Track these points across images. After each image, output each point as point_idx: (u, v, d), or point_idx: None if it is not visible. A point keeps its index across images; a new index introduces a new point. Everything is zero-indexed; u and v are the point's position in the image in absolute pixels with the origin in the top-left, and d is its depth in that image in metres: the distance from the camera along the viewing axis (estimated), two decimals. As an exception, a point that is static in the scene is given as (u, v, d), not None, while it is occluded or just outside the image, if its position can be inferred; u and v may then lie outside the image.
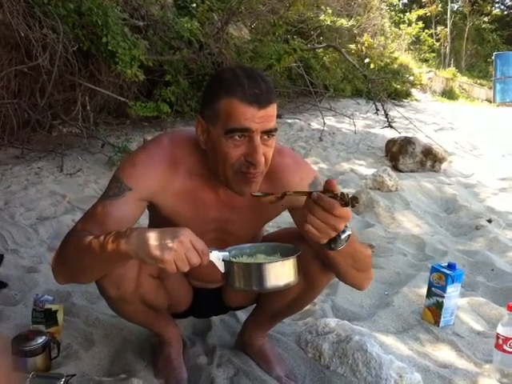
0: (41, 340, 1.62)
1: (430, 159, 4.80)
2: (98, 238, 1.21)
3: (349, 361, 1.68)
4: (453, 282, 2.01)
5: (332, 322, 1.86)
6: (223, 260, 1.22)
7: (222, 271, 1.22)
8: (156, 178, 1.37)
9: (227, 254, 1.24)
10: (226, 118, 1.26)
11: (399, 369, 1.61)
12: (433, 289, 2.05)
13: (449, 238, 3.28)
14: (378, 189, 3.80)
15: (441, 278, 2.02)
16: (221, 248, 1.27)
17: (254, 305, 1.79)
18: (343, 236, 1.19)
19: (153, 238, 1.13)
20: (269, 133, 1.29)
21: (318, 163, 4.76)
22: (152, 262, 1.13)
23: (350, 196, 1.09)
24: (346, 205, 1.09)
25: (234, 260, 1.24)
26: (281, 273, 1.23)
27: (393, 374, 1.58)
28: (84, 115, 4.11)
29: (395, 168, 4.60)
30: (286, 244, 1.36)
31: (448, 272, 2.01)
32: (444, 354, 1.86)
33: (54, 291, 2.12)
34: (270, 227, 2.39)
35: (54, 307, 1.76)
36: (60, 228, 2.77)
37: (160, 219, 1.48)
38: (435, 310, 2.04)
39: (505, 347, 1.69)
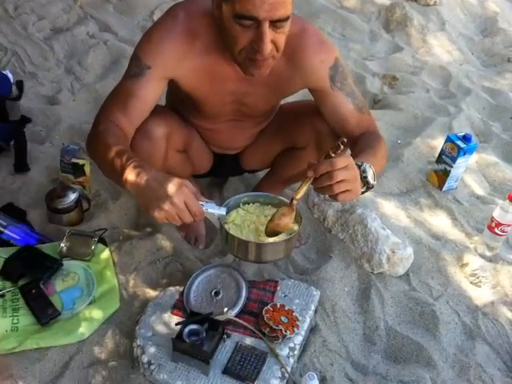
0: (73, 197, 1.78)
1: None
2: (119, 156, 1.23)
3: (349, 230, 1.86)
4: (464, 154, 2.05)
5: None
6: (219, 220, 1.26)
7: (217, 227, 1.28)
8: (173, 52, 1.34)
9: (223, 213, 1.25)
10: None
11: (393, 244, 1.78)
12: (443, 156, 2.10)
13: (477, 69, 3.15)
14: (416, 0, 3.46)
15: (453, 149, 2.06)
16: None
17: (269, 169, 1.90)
18: (368, 175, 1.24)
19: (150, 188, 1.15)
20: (279, 21, 1.19)
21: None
22: (146, 212, 1.18)
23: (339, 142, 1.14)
24: (337, 148, 1.13)
25: (232, 233, 1.28)
26: (279, 250, 1.30)
27: (386, 250, 1.77)
28: None
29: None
30: (281, 197, 1.41)
31: (462, 145, 2.03)
32: (439, 221, 2.02)
33: (78, 128, 2.19)
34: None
35: (80, 161, 1.86)
36: (74, 44, 2.69)
37: (180, 94, 1.50)
38: (441, 175, 2.12)
39: (496, 230, 1.83)
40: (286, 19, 1.20)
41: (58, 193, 1.78)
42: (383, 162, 1.45)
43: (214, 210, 1.23)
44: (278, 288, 1.63)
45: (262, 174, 1.98)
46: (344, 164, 1.15)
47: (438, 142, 2.41)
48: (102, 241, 1.73)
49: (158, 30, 1.35)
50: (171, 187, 1.14)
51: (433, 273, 1.82)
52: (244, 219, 1.37)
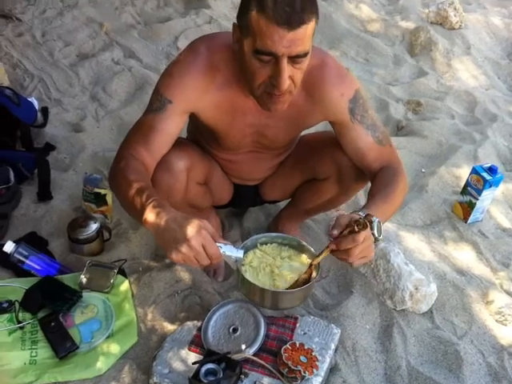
0: (94, 227, 1.79)
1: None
2: (140, 194, 1.23)
3: (371, 265, 1.82)
4: (490, 186, 2.00)
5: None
6: (236, 263, 1.24)
7: (234, 269, 1.27)
8: (194, 86, 1.35)
9: (241, 256, 1.23)
10: (254, 34, 1.17)
11: (416, 281, 1.74)
12: (468, 188, 2.06)
13: (503, 93, 3.09)
14: (441, 24, 3.43)
15: (479, 181, 2.01)
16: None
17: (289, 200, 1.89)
18: (375, 231, 1.24)
19: (169, 229, 1.15)
20: (298, 57, 1.19)
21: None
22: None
23: (363, 217, 1.17)
24: (363, 227, 1.16)
25: (249, 279, 1.28)
26: (292, 298, 1.30)
27: (409, 286, 1.73)
28: None
29: (465, -11, 4.04)
30: (303, 243, 1.40)
31: (487, 178, 1.98)
32: (464, 256, 1.97)
33: (101, 156, 2.22)
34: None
35: (102, 191, 1.87)
36: (99, 70, 2.73)
37: (200, 126, 1.52)
38: (466, 207, 2.08)
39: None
40: (304, 55, 1.20)
41: (79, 223, 1.79)
42: (400, 200, 1.44)
43: (231, 252, 1.22)
44: (298, 325, 1.60)
45: (282, 203, 1.97)
46: (364, 238, 1.18)
47: (464, 171, 2.37)
48: (121, 272, 1.73)
49: (179, 65, 1.37)
50: (189, 229, 1.13)
51: (457, 310, 1.77)
52: (261, 261, 1.36)
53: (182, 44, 3.01)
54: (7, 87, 2.20)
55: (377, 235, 1.23)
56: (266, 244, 1.41)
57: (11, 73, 2.59)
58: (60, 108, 2.45)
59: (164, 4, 3.32)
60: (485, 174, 2.00)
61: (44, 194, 1.98)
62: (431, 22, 3.46)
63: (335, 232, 1.20)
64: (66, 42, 2.89)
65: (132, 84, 2.69)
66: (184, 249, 1.13)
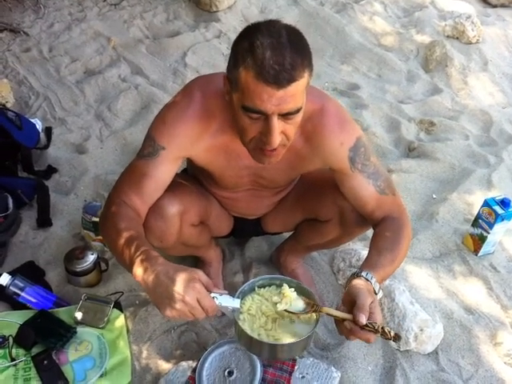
0: (91, 259, 1.76)
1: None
2: (129, 244, 1.19)
3: (375, 302, 1.76)
4: (502, 220, 1.92)
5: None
6: (233, 313, 1.20)
7: (231, 318, 1.22)
8: (187, 134, 1.30)
9: (237, 306, 1.19)
10: (243, 91, 1.12)
11: (421, 322, 1.67)
12: (480, 221, 1.98)
13: (521, 112, 2.99)
14: (457, 38, 3.33)
15: (490, 215, 1.93)
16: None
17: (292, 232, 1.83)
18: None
19: (161, 285, 1.10)
20: (289, 114, 1.13)
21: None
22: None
23: (392, 333, 1.08)
24: (387, 339, 1.09)
25: (247, 329, 1.21)
26: (292, 349, 1.23)
27: (414, 328, 1.66)
28: None
29: (484, 0, 3.92)
30: (302, 284, 1.32)
31: (499, 212, 1.90)
32: (473, 292, 1.90)
33: (103, 180, 2.19)
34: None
35: (100, 220, 1.84)
36: (106, 88, 2.69)
37: (196, 167, 1.47)
38: (477, 240, 2.00)
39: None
40: (296, 112, 1.14)
41: (76, 255, 1.76)
42: (404, 255, 1.36)
43: (227, 303, 1.17)
44: (296, 367, 1.55)
45: (286, 233, 1.91)
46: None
47: (476, 198, 2.29)
48: (117, 305, 1.70)
49: (173, 112, 1.32)
50: (182, 284, 1.08)
51: (463, 351, 1.71)
52: (259, 307, 1.30)
53: (190, 59, 2.97)
54: (10, 109, 2.18)
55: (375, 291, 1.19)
56: (264, 287, 1.35)
57: (17, 90, 2.58)
58: (64, 128, 2.43)
59: (174, 17, 3.28)
60: (497, 208, 1.92)
61: (43, 221, 1.95)
62: (447, 36, 3.36)
63: (364, 320, 1.09)
64: (73, 58, 2.86)
65: (138, 102, 2.65)
66: (178, 305, 1.08)
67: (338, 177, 1.41)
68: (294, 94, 1.10)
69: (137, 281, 1.15)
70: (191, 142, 1.32)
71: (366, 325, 1.09)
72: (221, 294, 1.16)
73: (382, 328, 1.08)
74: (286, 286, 1.26)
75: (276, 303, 1.29)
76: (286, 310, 1.24)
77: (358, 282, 1.18)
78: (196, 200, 1.54)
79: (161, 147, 1.31)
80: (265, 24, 1.12)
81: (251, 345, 1.24)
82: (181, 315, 1.10)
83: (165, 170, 1.34)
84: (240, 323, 1.23)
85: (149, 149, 1.33)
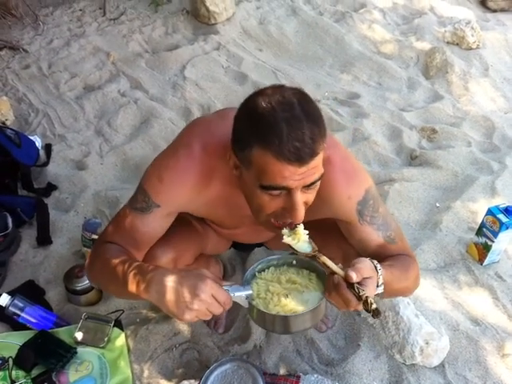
0: (90, 277, 1.75)
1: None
2: (121, 268, 1.17)
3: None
4: (507, 228, 1.89)
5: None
6: (247, 300, 1.18)
7: (246, 306, 1.20)
8: (186, 194, 1.24)
9: (250, 291, 1.19)
10: (259, 171, 1.06)
11: (427, 335, 1.64)
12: (484, 229, 1.95)
13: (523, 117, 2.96)
14: (457, 44, 3.31)
15: (494, 223, 1.90)
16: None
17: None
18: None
19: (172, 291, 1.06)
20: (311, 185, 1.09)
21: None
22: (174, 317, 1.11)
23: (374, 306, 1.03)
24: (367, 310, 1.05)
25: (260, 308, 1.18)
26: (305, 320, 1.20)
27: (419, 341, 1.63)
28: None
29: (483, 5, 3.90)
30: (299, 257, 1.28)
31: (503, 220, 1.87)
32: (479, 302, 1.86)
33: (103, 196, 2.18)
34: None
35: (99, 238, 1.83)
36: (105, 103, 2.69)
37: (194, 215, 1.43)
38: (482, 249, 1.97)
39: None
40: (318, 180, 1.09)
41: (75, 273, 1.75)
42: (409, 283, 1.33)
43: (240, 292, 1.17)
44: (300, 384, 1.53)
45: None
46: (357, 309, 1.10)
47: (480, 206, 2.26)
48: (118, 324, 1.68)
49: (172, 171, 1.23)
50: (193, 284, 1.06)
51: (471, 364, 1.67)
52: (266, 289, 1.27)
53: (189, 73, 2.96)
54: (9, 127, 2.18)
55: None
56: (264, 270, 1.32)
57: (16, 107, 2.59)
58: (64, 144, 2.42)
59: (172, 31, 3.28)
60: (501, 216, 1.89)
61: (43, 239, 1.94)
62: (447, 42, 3.34)
63: (355, 278, 1.06)
64: (73, 74, 2.87)
65: (137, 117, 2.65)
66: (196, 305, 1.05)
67: (347, 228, 1.34)
68: (317, 165, 1.06)
69: (145, 299, 1.12)
70: (189, 199, 1.26)
71: (353, 287, 1.06)
72: (230, 286, 1.15)
73: (366, 297, 1.04)
74: (301, 226, 1.19)
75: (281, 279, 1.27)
76: (290, 247, 1.19)
77: (367, 260, 1.14)
78: (191, 243, 1.49)
79: (155, 205, 1.24)
80: (272, 95, 1.04)
81: (265, 321, 1.22)
82: (199, 315, 1.07)
83: (157, 225, 1.28)
84: (254, 304, 1.20)
85: (142, 203, 1.25)
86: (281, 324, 1.20)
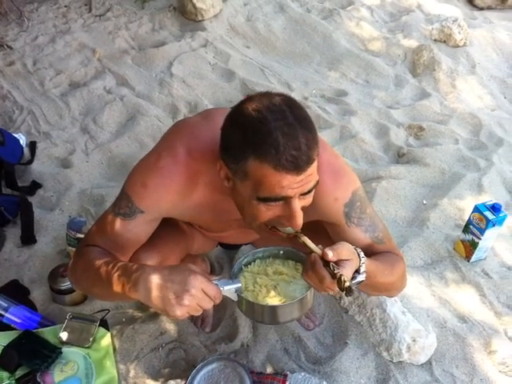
0: (75, 276, 1.72)
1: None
2: (105, 268, 1.15)
3: (367, 313, 1.73)
4: (493, 226, 1.90)
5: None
6: (237, 293, 1.18)
7: (235, 300, 1.20)
8: (170, 200, 1.22)
9: (239, 284, 1.19)
10: (257, 183, 1.04)
11: (414, 332, 1.64)
12: (471, 227, 1.96)
13: (510, 114, 2.98)
14: (445, 41, 3.32)
15: (481, 220, 1.91)
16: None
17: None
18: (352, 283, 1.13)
19: (161, 288, 1.05)
20: (308, 193, 1.09)
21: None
22: (163, 314, 1.10)
23: (346, 284, 1.04)
24: (340, 288, 1.05)
25: (249, 299, 1.19)
26: (293, 310, 1.21)
27: (407, 338, 1.63)
28: None
29: (470, 3, 3.92)
30: (284, 248, 1.30)
31: (490, 217, 1.88)
32: (466, 299, 1.87)
33: (89, 194, 2.15)
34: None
35: (84, 237, 1.80)
36: (91, 100, 2.66)
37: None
38: (469, 246, 1.98)
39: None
40: (315, 185, 1.09)
41: (60, 273, 1.73)
42: (395, 279, 1.33)
43: (229, 285, 1.17)
44: (287, 383, 1.52)
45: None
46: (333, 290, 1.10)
47: (467, 203, 2.27)
48: (103, 323, 1.66)
49: (156, 176, 1.20)
50: (182, 279, 1.05)
51: (457, 361, 1.68)
52: (254, 281, 1.27)
53: (176, 69, 2.94)
54: (-8, 125, 2.15)
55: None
56: (250, 264, 1.32)
57: (0, 105, 2.54)
58: (49, 142, 2.39)
59: (159, 27, 3.25)
60: (487, 213, 1.89)
61: (27, 238, 1.92)
62: (435, 40, 3.35)
63: (332, 256, 1.06)
64: (58, 70, 2.82)
65: (123, 114, 2.62)
66: (186, 300, 1.04)
67: (334, 230, 1.33)
68: (313, 172, 1.05)
69: (132, 298, 1.10)
70: (174, 205, 1.23)
71: (329, 265, 1.06)
72: (219, 280, 1.15)
73: (340, 275, 1.04)
74: None
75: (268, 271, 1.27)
76: (274, 227, 1.19)
77: (347, 244, 1.13)
78: (177, 245, 1.47)
79: (139, 210, 1.22)
80: (260, 103, 1.02)
81: (254, 312, 1.22)
82: (190, 311, 1.06)
83: (141, 231, 1.26)
84: (244, 296, 1.20)
85: (125, 209, 1.23)
86: (269, 314, 1.20)
